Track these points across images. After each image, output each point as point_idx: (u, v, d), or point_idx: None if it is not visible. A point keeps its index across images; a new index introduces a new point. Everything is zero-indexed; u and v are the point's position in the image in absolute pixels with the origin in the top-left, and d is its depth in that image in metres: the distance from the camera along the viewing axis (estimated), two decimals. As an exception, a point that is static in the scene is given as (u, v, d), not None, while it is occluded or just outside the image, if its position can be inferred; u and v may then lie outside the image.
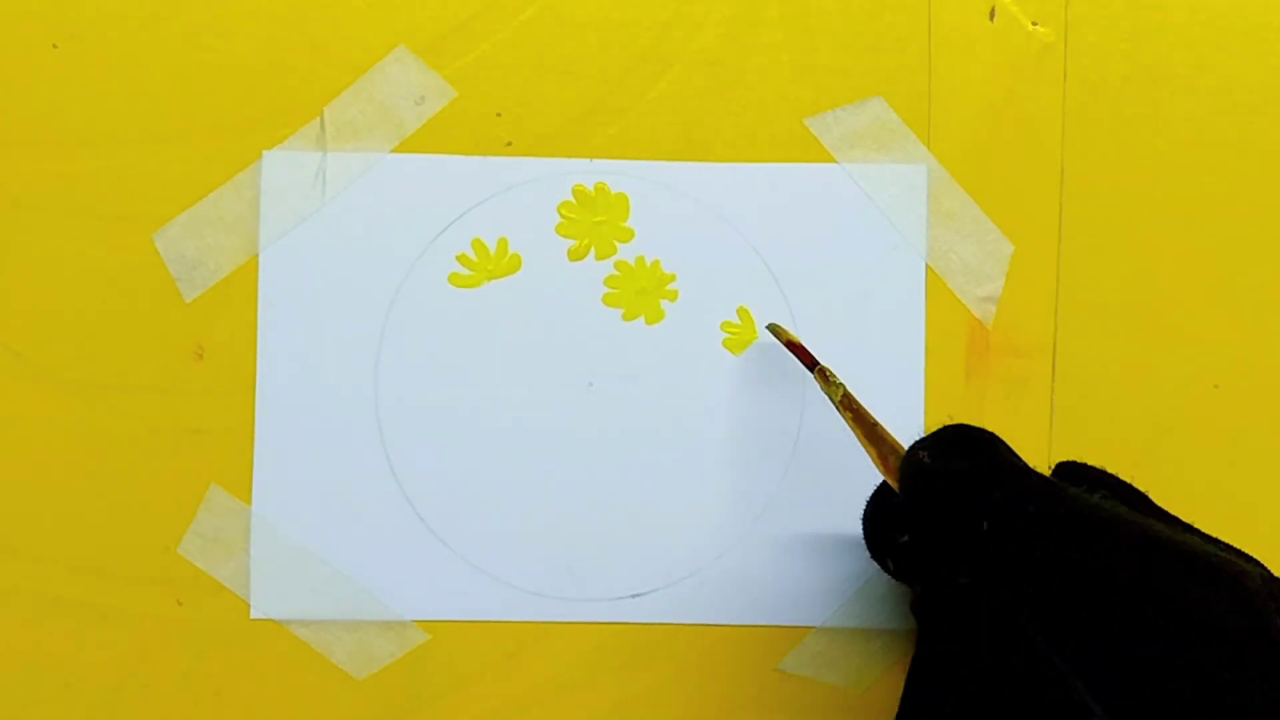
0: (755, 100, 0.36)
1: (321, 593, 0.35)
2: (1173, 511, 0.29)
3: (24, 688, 0.35)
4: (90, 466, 0.35)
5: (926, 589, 0.28)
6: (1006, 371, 0.36)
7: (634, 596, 0.35)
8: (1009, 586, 0.25)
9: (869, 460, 0.30)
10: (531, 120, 0.36)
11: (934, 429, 0.29)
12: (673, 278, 0.36)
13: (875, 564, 0.30)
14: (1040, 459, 0.36)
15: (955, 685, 0.26)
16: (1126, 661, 0.23)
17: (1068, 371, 0.36)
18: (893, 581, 0.33)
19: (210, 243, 0.35)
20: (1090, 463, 0.30)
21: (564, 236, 0.36)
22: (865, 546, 0.30)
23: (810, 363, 0.32)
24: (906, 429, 0.33)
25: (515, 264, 0.36)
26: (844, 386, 0.31)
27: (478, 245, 0.36)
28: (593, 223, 0.36)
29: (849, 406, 0.31)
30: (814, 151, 0.36)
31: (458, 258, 0.36)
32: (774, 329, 0.34)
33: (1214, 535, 0.28)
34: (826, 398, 0.32)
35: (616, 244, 0.36)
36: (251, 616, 0.35)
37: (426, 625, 0.35)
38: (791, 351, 0.33)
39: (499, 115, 0.36)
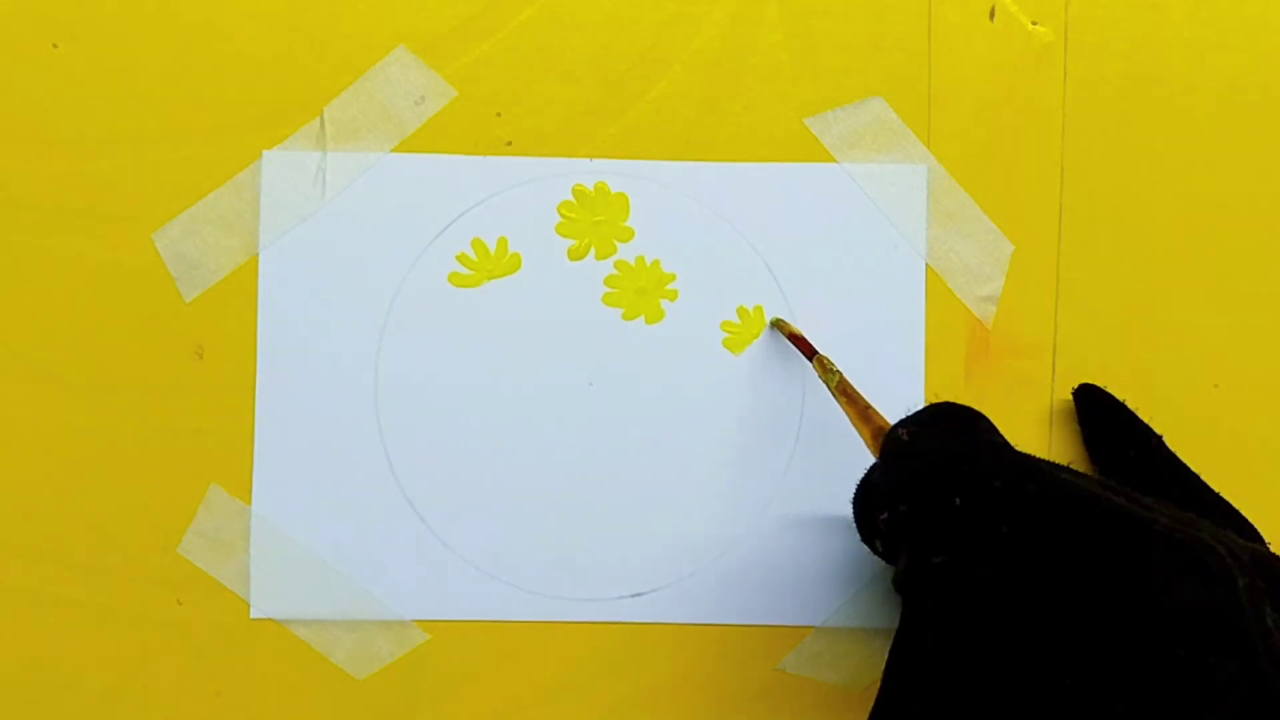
0: (755, 100, 0.36)
1: (321, 593, 0.35)
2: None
3: (24, 688, 0.35)
4: (90, 466, 0.35)
5: (907, 566, 0.28)
6: (1006, 371, 0.36)
7: (634, 596, 0.35)
8: (980, 562, 0.25)
9: (867, 458, 0.30)
10: (531, 120, 0.36)
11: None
12: (673, 277, 0.36)
13: (875, 564, 0.30)
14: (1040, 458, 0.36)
15: (929, 661, 0.26)
16: (1091, 639, 0.24)
17: (1068, 371, 0.36)
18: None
19: (210, 243, 0.35)
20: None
21: (564, 236, 0.36)
22: (857, 531, 0.30)
23: (810, 353, 0.33)
24: (906, 429, 0.33)
25: (515, 263, 0.36)
26: (840, 373, 0.32)
27: (478, 245, 0.36)
28: (593, 222, 0.36)
29: (844, 391, 0.31)
30: (814, 151, 0.36)
31: (458, 257, 0.36)
32: (777, 323, 0.35)
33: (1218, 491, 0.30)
34: (824, 385, 0.32)
35: (616, 244, 0.36)
36: (251, 616, 0.35)
37: (426, 625, 0.35)
38: (793, 343, 0.34)
39: (499, 115, 0.36)
